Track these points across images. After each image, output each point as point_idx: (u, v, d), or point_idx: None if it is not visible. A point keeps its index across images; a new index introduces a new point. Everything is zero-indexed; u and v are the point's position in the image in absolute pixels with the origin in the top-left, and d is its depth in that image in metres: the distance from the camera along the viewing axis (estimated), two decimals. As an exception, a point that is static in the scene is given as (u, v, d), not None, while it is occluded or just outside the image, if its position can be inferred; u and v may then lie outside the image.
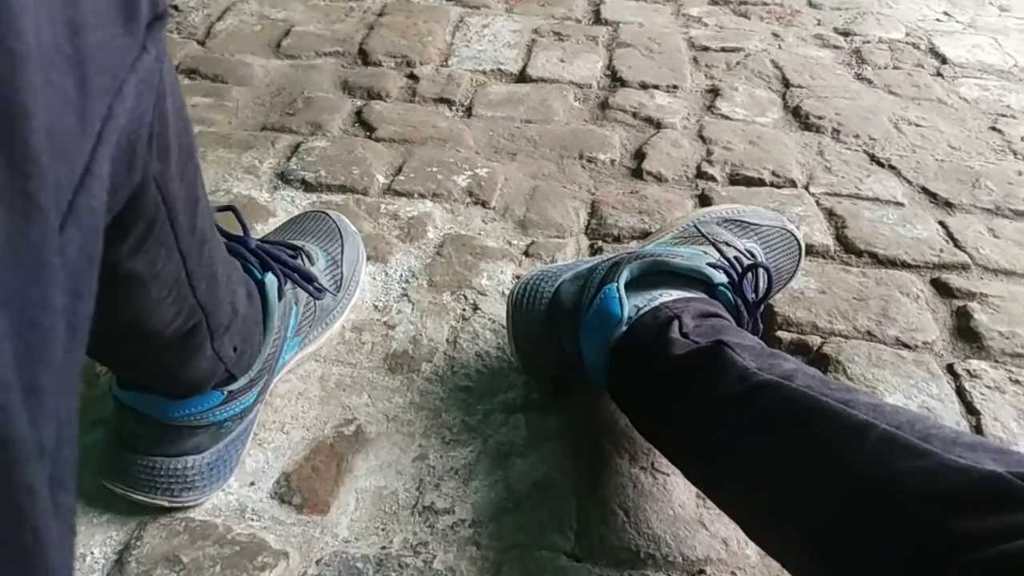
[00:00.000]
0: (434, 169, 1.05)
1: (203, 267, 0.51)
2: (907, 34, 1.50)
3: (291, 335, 0.70)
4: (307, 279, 0.69)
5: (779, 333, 0.83)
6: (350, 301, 0.79)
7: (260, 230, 0.92)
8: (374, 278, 0.87)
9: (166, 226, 0.44)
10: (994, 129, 1.21)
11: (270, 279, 0.65)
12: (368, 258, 0.89)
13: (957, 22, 1.57)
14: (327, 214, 0.83)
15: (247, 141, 1.09)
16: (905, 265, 0.92)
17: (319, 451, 0.68)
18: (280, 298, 0.66)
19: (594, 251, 0.93)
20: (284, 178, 1.02)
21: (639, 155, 1.10)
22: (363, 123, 1.15)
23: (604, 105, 1.22)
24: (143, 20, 0.34)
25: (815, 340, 0.82)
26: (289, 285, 0.68)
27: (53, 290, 0.24)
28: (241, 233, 0.65)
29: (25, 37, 0.23)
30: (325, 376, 0.75)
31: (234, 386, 0.62)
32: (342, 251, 0.79)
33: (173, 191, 0.43)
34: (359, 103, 1.21)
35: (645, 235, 0.94)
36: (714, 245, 0.74)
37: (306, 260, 0.73)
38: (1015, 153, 1.15)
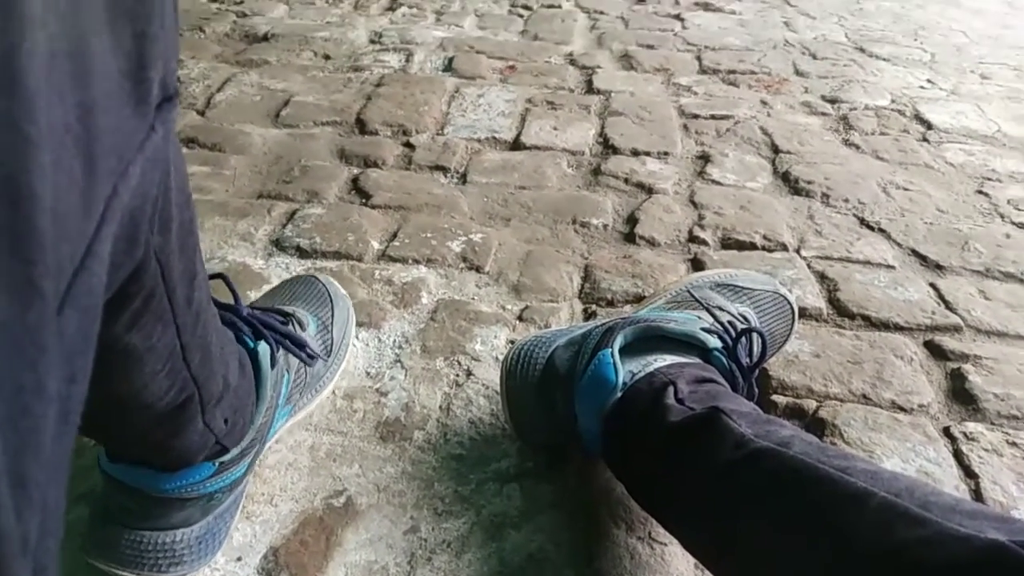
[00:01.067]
0: (429, 235, 1.06)
1: (197, 340, 0.50)
2: (892, 101, 1.54)
3: (282, 403, 0.69)
4: (299, 345, 0.69)
5: (774, 397, 0.82)
6: (340, 366, 0.79)
7: (253, 297, 0.93)
8: (367, 344, 0.87)
9: (163, 300, 0.44)
10: (981, 192, 1.23)
11: (263, 348, 0.65)
12: (361, 324, 0.89)
13: (940, 89, 1.61)
14: (317, 278, 0.83)
15: (243, 209, 1.10)
16: (898, 328, 0.92)
17: (308, 524, 0.67)
18: (273, 366, 0.65)
19: (588, 315, 0.94)
20: (279, 245, 1.03)
21: (632, 220, 1.11)
22: (359, 190, 1.17)
23: (597, 171, 1.24)
24: (153, 101, 0.34)
25: (811, 404, 0.81)
26: (281, 352, 0.68)
27: (48, 375, 0.24)
28: (232, 301, 0.65)
29: (38, 119, 0.23)
30: (315, 446, 0.74)
31: (225, 457, 0.61)
32: (332, 315, 0.79)
33: (172, 265, 0.43)
34: (355, 171, 1.22)
35: (639, 299, 0.95)
36: (708, 310, 0.75)
37: (297, 326, 0.73)
38: (1002, 216, 1.16)
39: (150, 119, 0.34)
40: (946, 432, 0.78)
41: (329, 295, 0.81)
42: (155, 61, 0.33)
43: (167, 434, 0.55)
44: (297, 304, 0.78)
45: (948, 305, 0.96)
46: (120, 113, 0.31)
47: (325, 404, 0.78)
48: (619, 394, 0.65)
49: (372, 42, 1.75)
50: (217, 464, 0.61)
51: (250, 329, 0.65)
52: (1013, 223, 1.14)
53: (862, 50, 1.82)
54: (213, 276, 0.65)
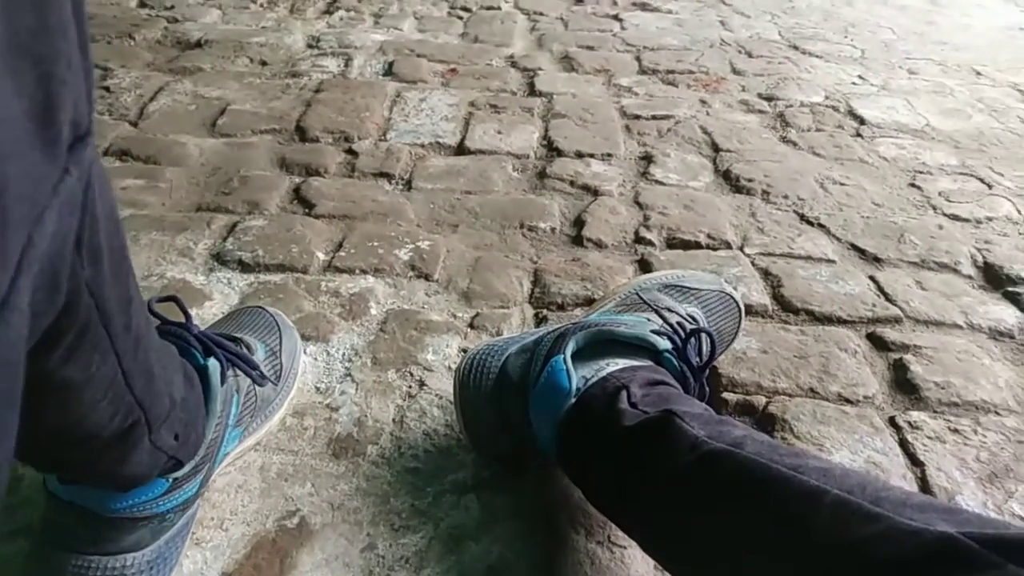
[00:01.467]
0: (375, 244, 1.04)
1: (139, 364, 0.49)
2: (826, 97, 1.58)
3: (232, 424, 0.68)
4: (249, 365, 0.69)
5: (725, 395, 0.83)
6: (289, 393, 0.78)
7: (195, 314, 0.90)
8: (316, 359, 0.85)
9: (99, 329, 0.43)
10: (913, 185, 1.26)
11: (213, 364, 0.64)
12: (309, 338, 0.87)
13: (871, 85, 1.66)
14: (263, 308, 0.83)
15: (181, 223, 1.07)
16: (841, 321, 0.95)
17: (261, 547, 0.65)
18: (223, 383, 0.65)
19: (539, 320, 0.93)
20: (220, 259, 1.00)
21: (578, 223, 1.12)
22: (301, 200, 1.14)
23: (542, 174, 1.24)
24: (64, 143, 0.33)
25: (760, 400, 0.83)
26: (231, 372, 0.67)
27: None
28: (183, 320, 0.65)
29: None
30: (266, 466, 0.72)
31: (179, 473, 0.61)
32: (280, 342, 0.78)
33: (106, 294, 0.42)
34: (297, 180, 1.20)
35: (589, 302, 0.95)
36: (656, 311, 0.75)
37: (245, 350, 0.72)
38: (934, 208, 1.20)
39: (63, 161, 0.33)
40: (891, 422, 0.80)
41: (277, 324, 0.80)
42: (64, 102, 0.32)
43: (115, 459, 0.54)
44: (245, 332, 0.77)
45: (887, 297, 0.99)
46: (29, 159, 0.30)
47: (274, 426, 0.76)
48: (573, 400, 0.65)
49: (310, 47, 1.72)
50: (171, 480, 0.60)
51: (201, 346, 0.65)
52: (945, 214, 1.18)
53: (795, 48, 1.86)
54: (164, 299, 0.65)
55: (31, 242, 0.29)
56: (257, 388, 0.71)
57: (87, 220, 0.37)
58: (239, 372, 0.68)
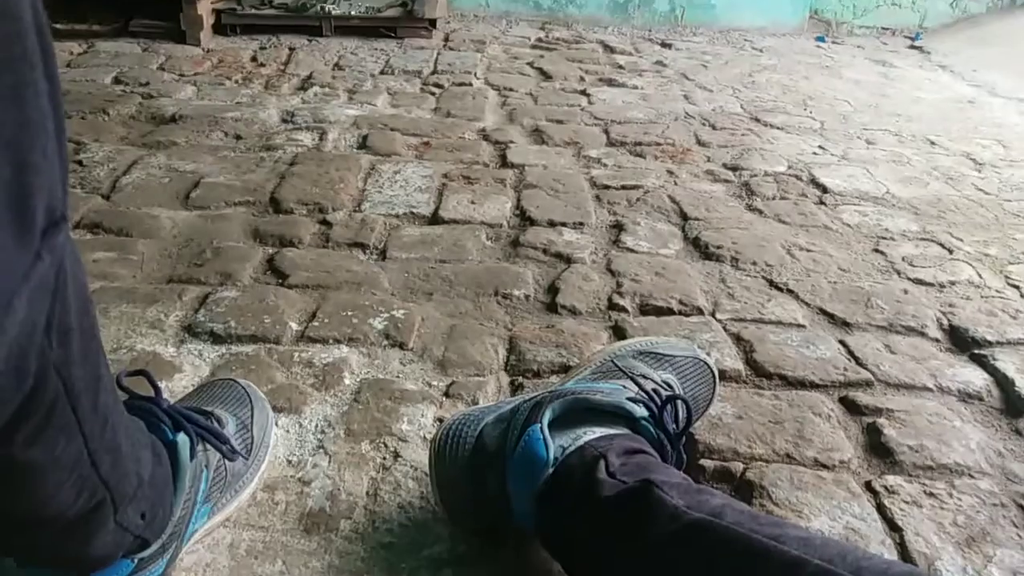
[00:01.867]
0: (349, 313, 1.04)
1: (106, 442, 0.48)
2: (789, 167, 1.63)
3: (201, 500, 0.66)
4: (220, 439, 0.67)
5: (702, 461, 0.83)
6: (260, 467, 0.76)
7: (165, 387, 0.88)
8: (287, 431, 0.83)
9: (67, 411, 0.42)
10: (877, 251, 1.30)
11: (182, 439, 0.63)
12: (281, 410, 0.86)
13: (831, 155, 1.71)
14: (235, 381, 0.82)
15: (152, 295, 1.06)
16: (814, 385, 0.95)
17: (229, 630, 0.62)
18: (192, 458, 0.63)
19: (515, 388, 0.93)
20: (191, 331, 0.99)
21: (552, 290, 1.13)
22: (275, 270, 1.14)
23: (515, 243, 1.26)
24: (38, 229, 0.33)
25: (738, 466, 0.82)
26: (200, 447, 0.65)
27: None
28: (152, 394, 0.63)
29: None
30: (235, 543, 0.70)
31: (145, 553, 0.59)
32: (252, 415, 0.77)
33: (74, 375, 0.41)
34: (271, 251, 1.20)
35: (564, 368, 0.95)
36: (632, 379, 0.75)
37: (216, 424, 0.70)
38: (898, 272, 1.23)
39: (35, 247, 0.33)
40: (868, 487, 0.80)
41: (248, 396, 0.79)
42: (38, 190, 0.32)
43: (79, 541, 0.52)
44: (216, 405, 0.76)
45: (858, 361, 1.00)
46: (1, 246, 0.30)
47: (244, 501, 0.74)
48: (551, 470, 0.65)
49: (284, 121, 1.74)
50: (136, 561, 0.58)
51: (170, 421, 0.63)
52: (909, 279, 1.21)
53: (757, 120, 1.93)
54: (134, 373, 0.64)
55: (1, 329, 0.29)
56: (227, 463, 0.70)
57: (58, 303, 0.37)
58: (209, 446, 0.67)
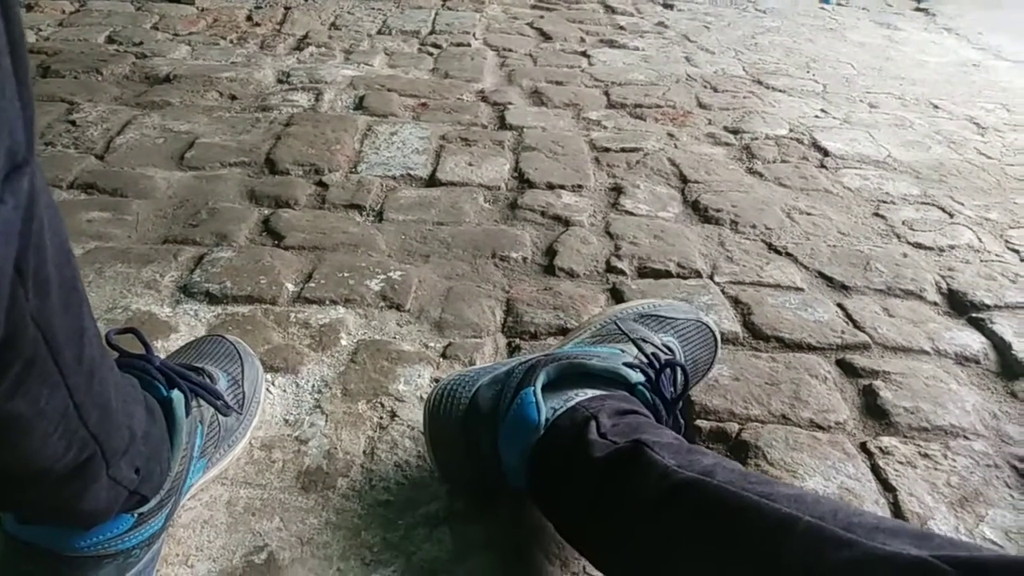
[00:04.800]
0: (346, 275, 1.03)
1: (93, 396, 0.48)
2: (790, 130, 1.61)
3: (197, 455, 0.66)
4: (214, 395, 0.67)
5: (698, 422, 0.83)
6: (252, 421, 0.76)
7: (161, 347, 0.88)
8: (284, 391, 0.83)
9: (48, 362, 0.42)
10: (877, 215, 1.29)
11: (177, 395, 0.63)
12: (278, 370, 0.86)
13: (833, 118, 1.70)
14: (224, 337, 0.82)
15: (147, 255, 1.05)
16: (811, 348, 0.95)
17: (227, 585, 0.63)
18: (187, 414, 0.63)
19: (512, 349, 0.93)
20: (187, 291, 0.99)
21: (550, 252, 1.12)
22: (271, 232, 1.13)
23: (513, 205, 1.25)
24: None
25: (733, 427, 0.83)
26: (194, 403, 0.65)
27: None
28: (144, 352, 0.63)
29: None
30: (232, 500, 0.70)
31: (144, 508, 0.59)
32: (242, 371, 0.77)
33: (54, 326, 0.41)
34: (266, 212, 1.19)
35: (562, 331, 0.95)
36: (633, 342, 0.75)
37: (207, 379, 0.70)
38: (898, 236, 1.23)
39: None
40: (863, 448, 0.81)
41: (238, 352, 0.79)
42: None
43: (72, 495, 0.52)
44: (205, 361, 0.76)
45: (856, 324, 1.00)
46: None
47: (242, 456, 0.74)
48: (542, 432, 0.65)
49: (280, 82, 1.72)
50: (136, 516, 0.59)
51: (164, 378, 0.63)
52: (909, 243, 1.21)
53: (759, 82, 1.90)
54: (123, 331, 0.64)
55: None
56: (220, 418, 0.70)
57: (31, 251, 0.37)
58: (203, 402, 0.67)
